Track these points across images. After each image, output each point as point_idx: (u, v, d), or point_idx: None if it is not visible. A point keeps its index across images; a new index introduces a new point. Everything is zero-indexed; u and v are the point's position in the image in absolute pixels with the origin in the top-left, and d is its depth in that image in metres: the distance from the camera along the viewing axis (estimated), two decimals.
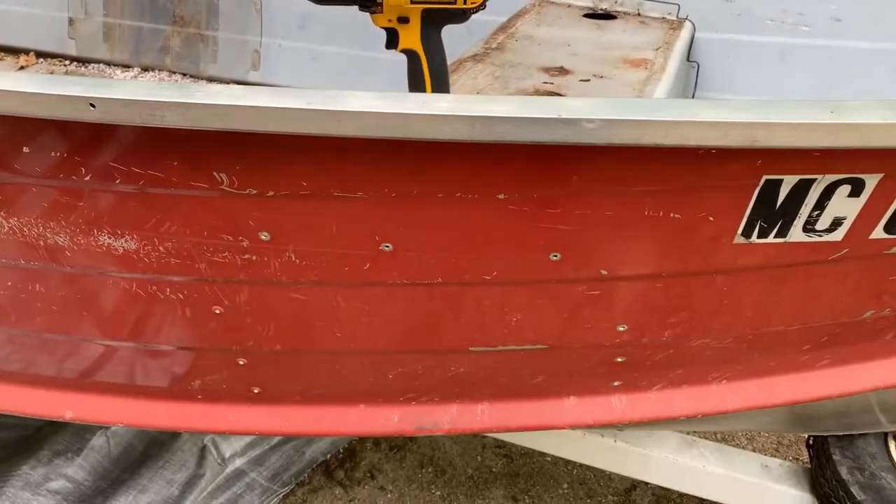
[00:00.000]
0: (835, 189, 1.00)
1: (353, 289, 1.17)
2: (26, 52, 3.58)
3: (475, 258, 1.11)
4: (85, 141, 1.02)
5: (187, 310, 1.24)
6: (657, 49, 2.09)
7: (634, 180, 0.98)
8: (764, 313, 1.22)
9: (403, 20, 1.26)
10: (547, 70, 1.89)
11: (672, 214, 1.03)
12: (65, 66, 3.53)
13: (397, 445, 2.90)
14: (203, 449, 2.64)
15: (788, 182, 0.99)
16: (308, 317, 1.23)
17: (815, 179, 0.99)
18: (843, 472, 1.85)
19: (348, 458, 2.84)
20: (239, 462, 2.66)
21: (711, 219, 1.04)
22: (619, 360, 1.30)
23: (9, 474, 2.35)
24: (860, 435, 1.93)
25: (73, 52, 3.50)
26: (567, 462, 2.78)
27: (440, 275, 1.14)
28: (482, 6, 1.26)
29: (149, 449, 2.68)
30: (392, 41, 1.29)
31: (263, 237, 1.10)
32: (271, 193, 1.04)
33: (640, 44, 2.13)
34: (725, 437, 2.92)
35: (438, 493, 2.70)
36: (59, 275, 1.23)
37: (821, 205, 1.02)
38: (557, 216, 1.04)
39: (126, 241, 1.15)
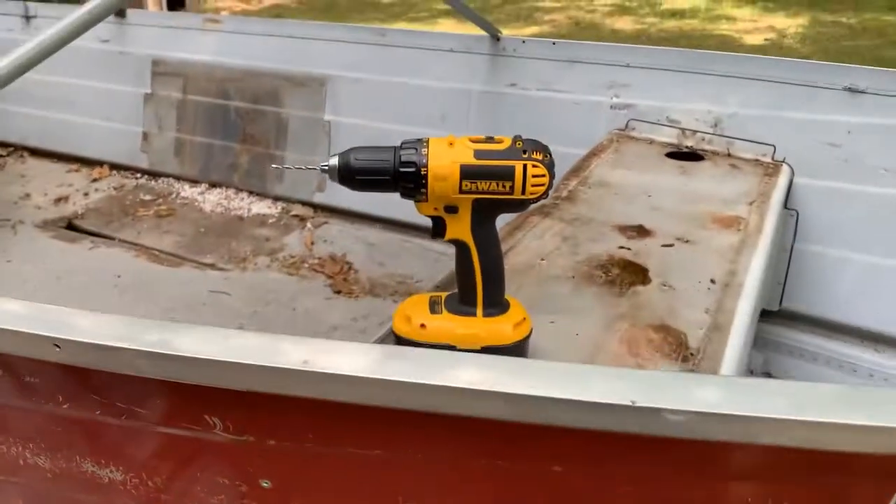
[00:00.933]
0: None
1: None
2: (101, 163, 3.63)
3: None
4: (59, 371, 0.86)
5: None
6: (751, 203, 1.85)
7: (733, 475, 0.74)
8: None
9: (451, 209, 1.08)
10: (623, 230, 1.68)
11: None
12: (136, 178, 3.55)
13: None
14: None
15: None
16: None
17: None
18: None
19: None
20: None
21: None
22: None
23: None
24: None
25: (144, 165, 3.51)
26: None
27: None
28: (545, 195, 1.07)
29: None
30: (439, 230, 1.11)
31: (264, 485, 0.90)
32: (272, 442, 0.85)
33: (731, 195, 1.90)
34: None
35: None
36: (40, 494, 1.07)
37: None
38: (631, 495, 0.80)
39: (111, 471, 0.97)
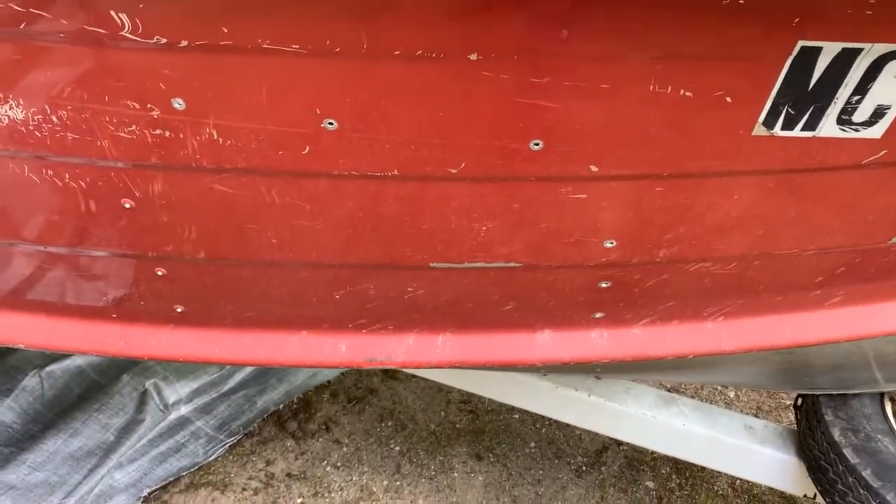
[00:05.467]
0: (882, 66, 0.82)
1: (291, 180, 0.97)
2: None
3: (440, 144, 0.91)
4: None
5: (91, 202, 1.03)
6: None
7: (638, 39, 0.78)
8: (777, 231, 1.03)
9: None
10: None
11: (682, 91, 0.83)
12: None
13: (356, 398, 2.72)
14: (144, 393, 2.43)
15: (829, 51, 0.80)
16: (236, 216, 1.02)
17: (861, 50, 0.80)
18: (836, 433, 1.70)
19: (303, 409, 2.66)
20: (184, 409, 2.46)
21: (729, 99, 0.84)
22: (604, 284, 1.12)
23: None
24: (854, 395, 1.78)
25: None
26: (536, 421, 2.62)
27: (396, 166, 0.94)
28: None
29: (86, 392, 2.47)
30: None
31: (177, 105, 0.89)
32: (184, 43, 0.83)
33: None
34: (703, 398, 2.77)
35: (397, 448, 2.53)
36: None
37: (863, 87, 0.83)
38: (542, 88, 0.84)
39: (11, 108, 0.93)
